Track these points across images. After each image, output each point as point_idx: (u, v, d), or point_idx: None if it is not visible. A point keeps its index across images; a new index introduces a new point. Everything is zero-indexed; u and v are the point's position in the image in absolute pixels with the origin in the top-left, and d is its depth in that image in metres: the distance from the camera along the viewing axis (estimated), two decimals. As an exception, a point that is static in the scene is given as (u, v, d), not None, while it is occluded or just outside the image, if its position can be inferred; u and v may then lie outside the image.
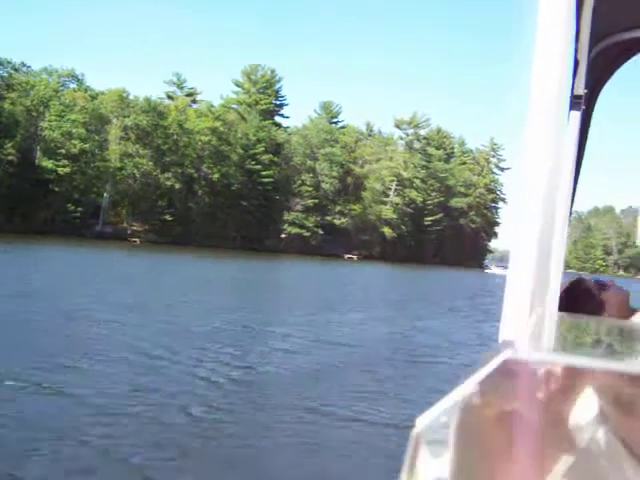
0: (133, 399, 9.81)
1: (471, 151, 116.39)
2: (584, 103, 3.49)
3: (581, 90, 3.45)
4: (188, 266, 45.10)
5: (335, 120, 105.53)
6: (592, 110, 3.96)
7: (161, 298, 23.87)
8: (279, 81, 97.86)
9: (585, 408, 0.56)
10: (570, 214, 3.91)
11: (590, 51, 3.51)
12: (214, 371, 12.08)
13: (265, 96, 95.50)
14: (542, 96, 1.71)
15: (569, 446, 0.55)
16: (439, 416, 0.49)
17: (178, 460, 7.35)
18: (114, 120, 76.52)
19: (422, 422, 0.49)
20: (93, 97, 78.82)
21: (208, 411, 9.28)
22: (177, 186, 79.16)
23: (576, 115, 3.43)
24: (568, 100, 3.39)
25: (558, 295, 2.81)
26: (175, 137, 79.96)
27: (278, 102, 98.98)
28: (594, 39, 3.48)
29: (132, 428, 8.47)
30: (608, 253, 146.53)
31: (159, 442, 7.99)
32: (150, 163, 77.23)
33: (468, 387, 0.49)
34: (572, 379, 0.61)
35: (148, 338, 15.07)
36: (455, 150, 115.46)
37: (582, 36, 3.27)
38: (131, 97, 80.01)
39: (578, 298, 3.78)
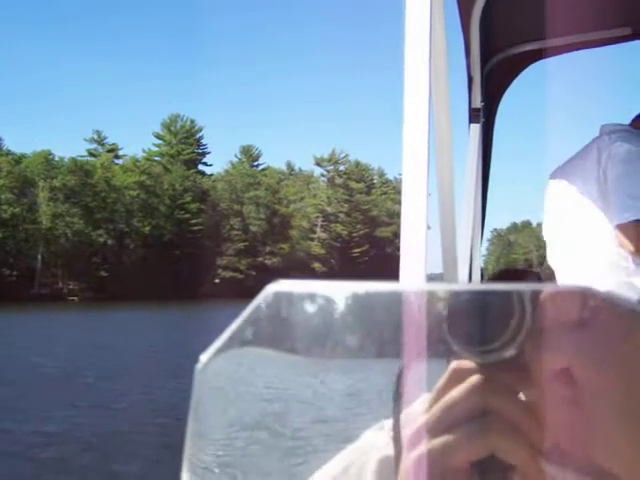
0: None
1: (391, 181, 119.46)
2: (483, 116, 3.59)
3: (478, 103, 3.57)
4: (123, 323, 46.34)
5: (256, 163, 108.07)
6: (493, 123, 4.06)
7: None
8: (200, 130, 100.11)
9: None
10: (482, 226, 4.00)
11: (483, 67, 3.62)
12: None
13: (187, 146, 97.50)
14: (437, 110, 2.01)
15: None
16: (224, 346, 0.50)
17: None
18: (41, 182, 77.35)
19: (205, 357, 0.50)
20: (17, 161, 79.53)
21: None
22: (109, 242, 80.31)
23: (476, 127, 3.53)
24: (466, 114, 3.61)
25: None
26: (103, 194, 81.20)
27: (200, 151, 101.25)
28: (486, 55, 3.62)
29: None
30: (530, 266, 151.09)
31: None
32: (81, 221, 78.31)
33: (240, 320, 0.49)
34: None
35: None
36: (375, 181, 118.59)
37: (473, 53, 3.42)
38: (56, 158, 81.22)
39: None
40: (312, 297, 0.50)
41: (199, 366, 0.51)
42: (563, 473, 0.51)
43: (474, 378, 0.49)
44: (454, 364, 0.49)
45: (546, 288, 0.47)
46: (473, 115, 3.54)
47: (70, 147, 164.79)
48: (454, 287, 0.49)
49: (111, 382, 19.63)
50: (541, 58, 3.86)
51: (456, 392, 0.49)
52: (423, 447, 0.49)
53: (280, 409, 0.54)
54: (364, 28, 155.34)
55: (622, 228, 2.95)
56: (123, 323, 44.28)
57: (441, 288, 0.49)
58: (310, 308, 0.50)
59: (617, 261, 3.04)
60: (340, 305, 0.49)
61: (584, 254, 3.21)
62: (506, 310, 0.47)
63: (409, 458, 0.50)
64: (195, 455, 0.51)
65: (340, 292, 0.49)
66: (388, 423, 0.60)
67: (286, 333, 0.50)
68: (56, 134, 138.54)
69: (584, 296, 0.47)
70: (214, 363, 0.50)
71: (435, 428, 0.49)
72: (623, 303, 0.47)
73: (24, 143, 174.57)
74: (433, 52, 1.61)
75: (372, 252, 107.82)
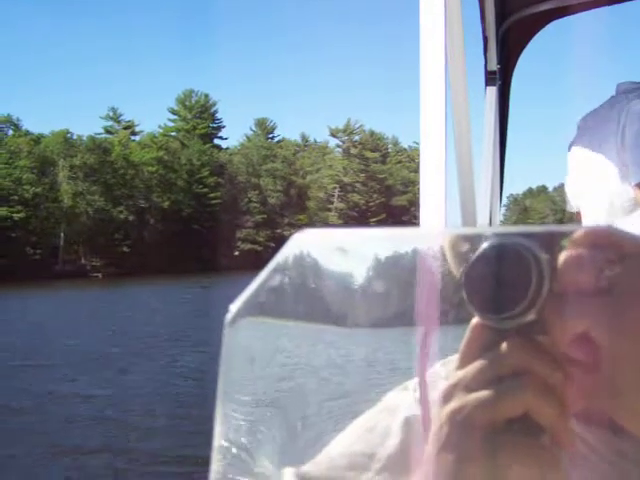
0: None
1: (405, 149, 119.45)
2: (499, 78, 3.51)
3: (494, 65, 3.48)
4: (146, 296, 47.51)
5: (271, 135, 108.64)
6: (509, 85, 3.98)
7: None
8: (214, 104, 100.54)
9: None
10: (501, 191, 3.92)
11: (498, 28, 3.53)
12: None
13: (202, 120, 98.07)
14: (452, 74, 1.96)
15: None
16: (252, 297, 0.49)
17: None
18: (61, 161, 78.36)
19: (234, 307, 0.50)
20: (35, 141, 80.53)
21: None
22: (130, 218, 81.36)
23: (492, 90, 3.45)
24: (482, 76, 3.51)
25: None
26: (122, 171, 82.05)
27: (215, 125, 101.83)
28: (501, 16, 3.52)
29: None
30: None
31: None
32: (101, 199, 79.24)
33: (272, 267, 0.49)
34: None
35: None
36: (390, 150, 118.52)
37: (487, 14, 3.30)
38: (74, 137, 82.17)
39: None
40: (337, 250, 0.50)
41: (228, 317, 0.50)
42: (587, 433, 0.53)
43: (507, 338, 0.49)
44: (475, 321, 0.49)
45: (564, 230, 0.47)
46: (489, 78, 3.48)
47: (86, 125, 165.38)
48: (474, 233, 0.50)
49: (136, 353, 20.75)
50: (557, 18, 3.73)
51: (491, 351, 0.49)
52: (458, 402, 0.50)
53: (307, 365, 0.54)
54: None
55: None
56: (146, 297, 45.33)
57: (462, 233, 0.50)
58: (335, 262, 0.50)
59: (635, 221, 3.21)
60: (364, 260, 0.49)
61: (603, 217, 3.04)
62: (524, 275, 0.46)
63: (443, 412, 0.50)
64: (226, 405, 0.52)
65: (364, 244, 0.50)
66: (412, 383, 0.61)
67: (313, 284, 0.50)
68: (71, 112, 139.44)
69: (602, 235, 0.47)
70: (243, 317, 0.50)
71: (470, 385, 0.50)
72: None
73: (41, 123, 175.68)
74: (448, 15, 1.61)
75: (389, 221, 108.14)
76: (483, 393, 0.49)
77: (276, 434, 0.54)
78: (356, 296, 0.51)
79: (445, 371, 0.53)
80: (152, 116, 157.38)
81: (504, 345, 0.49)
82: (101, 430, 12.02)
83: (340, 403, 0.54)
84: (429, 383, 0.54)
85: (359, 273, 0.50)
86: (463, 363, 0.51)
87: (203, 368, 16.38)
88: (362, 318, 0.52)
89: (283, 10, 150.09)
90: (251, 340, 0.53)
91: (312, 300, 0.51)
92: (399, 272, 0.49)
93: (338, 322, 0.51)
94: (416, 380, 0.55)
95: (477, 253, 0.47)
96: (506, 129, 3.95)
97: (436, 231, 0.51)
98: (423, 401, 0.55)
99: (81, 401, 14.37)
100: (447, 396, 0.50)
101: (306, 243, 0.49)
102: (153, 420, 12.71)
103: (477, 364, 0.50)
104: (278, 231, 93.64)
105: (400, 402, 0.67)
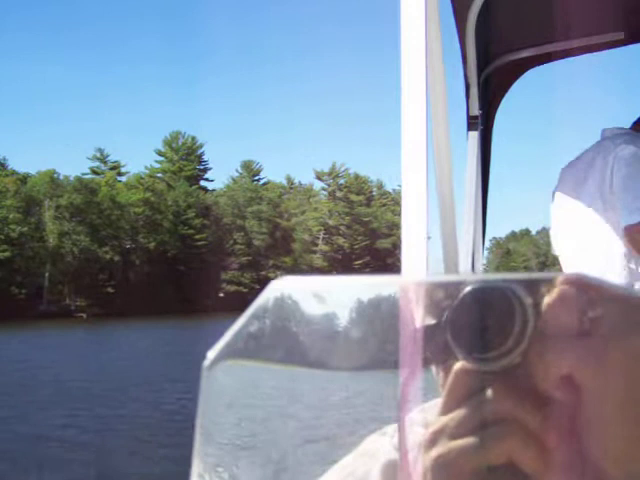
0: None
1: (389, 192, 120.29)
2: (481, 123, 3.54)
3: (476, 110, 3.50)
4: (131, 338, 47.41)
5: (257, 178, 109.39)
6: (491, 130, 4.00)
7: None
8: (200, 147, 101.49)
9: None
10: (483, 235, 3.90)
11: (480, 74, 3.57)
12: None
13: (188, 162, 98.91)
14: (434, 118, 2.00)
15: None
16: (230, 342, 0.50)
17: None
18: (47, 201, 78.67)
19: (212, 354, 0.50)
20: (22, 180, 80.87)
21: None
22: (115, 258, 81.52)
23: (474, 135, 3.47)
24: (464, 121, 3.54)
25: None
26: (108, 212, 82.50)
27: (202, 167, 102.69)
28: (483, 62, 3.56)
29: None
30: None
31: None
32: (87, 239, 79.49)
33: (250, 313, 0.49)
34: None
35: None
36: (374, 193, 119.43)
37: (469, 60, 3.36)
38: (61, 177, 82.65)
39: None
40: (316, 297, 0.50)
41: (206, 363, 0.51)
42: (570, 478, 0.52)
43: (489, 384, 0.49)
44: (458, 365, 0.49)
45: (547, 276, 0.48)
46: (471, 123, 3.52)
47: (73, 165, 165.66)
48: (455, 280, 0.49)
49: (120, 392, 20.95)
50: (538, 65, 3.82)
51: (475, 396, 0.49)
52: (442, 449, 0.50)
53: (285, 409, 0.54)
54: (362, 30, 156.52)
55: (630, 230, 2.92)
56: (130, 338, 45.35)
57: (443, 282, 0.50)
58: (314, 308, 0.50)
59: (625, 265, 3.02)
60: (344, 307, 0.50)
61: (591, 263, 3.21)
62: (509, 316, 0.47)
63: (428, 458, 0.50)
64: (204, 448, 0.51)
65: (344, 292, 0.50)
66: (390, 429, 0.62)
67: (293, 328, 0.50)
68: (57, 152, 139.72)
69: (582, 282, 0.47)
70: (221, 361, 0.50)
71: (454, 432, 0.50)
72: (620, 291, 0.47)
73: (27, 163, 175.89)
74: (429, 60, 1.63)
75: (373, 263, 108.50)
76: (467, 440, 0.49)
77: (253, 479, 0.54)
78: (336, 340, 0.51)
79: (422, 418, 0.53)
80: (138, 156, 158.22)
81: (488, 390, 0.49)
82: (68, 471, 12.02)
83: (318, 447, 0.55)
84: (409, 429, 0.53)
85: (339, 317, 0.50)
86: (446, 409, 0.51)
87: (184, 411, 16.51)
88: (342, 362, 0.52)
89: (270, 44, 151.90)
90: (229, 384, 0.53)
91: (291, 344, 0.51)
92: (380, 317, 0.50)
93: (317, 366, 0.52)
94: (395, 426, 0.55)
95: (461, 296, 0.47)
96: (488, 173, 4.00)
97: (416, 279, 0.52)
98: (402, 448, 0.54)
99: (56, 442, 14.35)
100: (431, 442, 0.51)
101: (285, 289, 0.50)
102: (132, 460, 12.74)
103: (460, 410, 0.50)
104: (263, 273, 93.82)
105: (379, 447, 0.67)
